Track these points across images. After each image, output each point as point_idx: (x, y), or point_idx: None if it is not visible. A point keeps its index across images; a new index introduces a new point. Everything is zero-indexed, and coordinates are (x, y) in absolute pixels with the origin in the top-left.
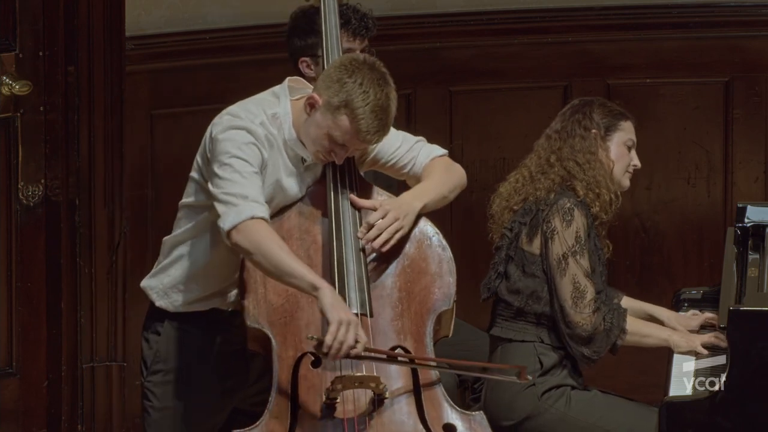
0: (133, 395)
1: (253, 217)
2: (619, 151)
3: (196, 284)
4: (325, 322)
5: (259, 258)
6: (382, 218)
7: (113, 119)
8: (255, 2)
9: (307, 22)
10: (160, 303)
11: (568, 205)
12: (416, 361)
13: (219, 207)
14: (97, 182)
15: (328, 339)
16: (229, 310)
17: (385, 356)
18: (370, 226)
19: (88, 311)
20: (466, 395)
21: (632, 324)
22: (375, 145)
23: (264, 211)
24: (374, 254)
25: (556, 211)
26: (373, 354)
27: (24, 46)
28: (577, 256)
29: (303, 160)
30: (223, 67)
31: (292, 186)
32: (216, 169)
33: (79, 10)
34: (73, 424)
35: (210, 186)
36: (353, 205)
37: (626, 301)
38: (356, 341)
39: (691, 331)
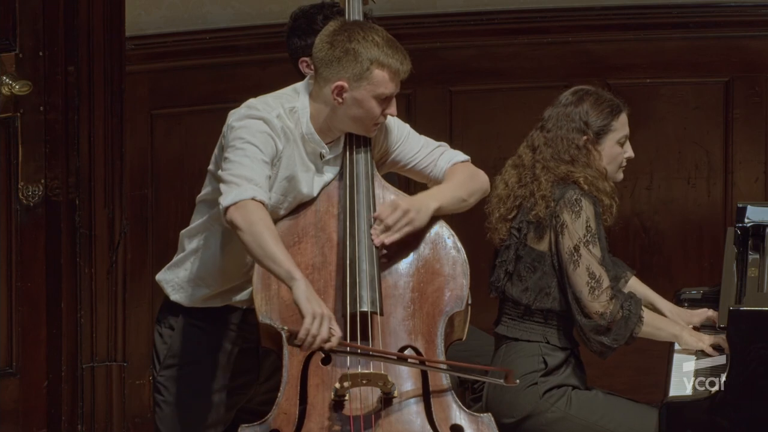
0: (133, 395)
1: (253, 198)
2: (613, 152)
3: (211, 279)
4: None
5: (248, 237)
6: (393, 212)
7: (113, 119)
8: (255, 2)
9: (307, 22)
10: (174, 297)
11: (575, 196)
12: (388, 356)
13: (222, 187)
14: (97, 182)
15: (302, 333)
16: (244, 307)
17: (358, 350)
18: (380, 221)
19: (88, 311)
20: (466, 395)
21: (647, 315)
22: (397, 147)
23: (264, 196)
24: (388, 254)
25: (564, 204)
26: (346, 349)
27: (24, 46)
28: (590, 246)
29: (321, 156)
30: (223, 67)
31: (307, 182)
32: (228, 153)
33: (79, 10)
34: (73, 424)
35: (219, 171)
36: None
37: (633, 281)
38: (330, 335)
39: (694, 328)
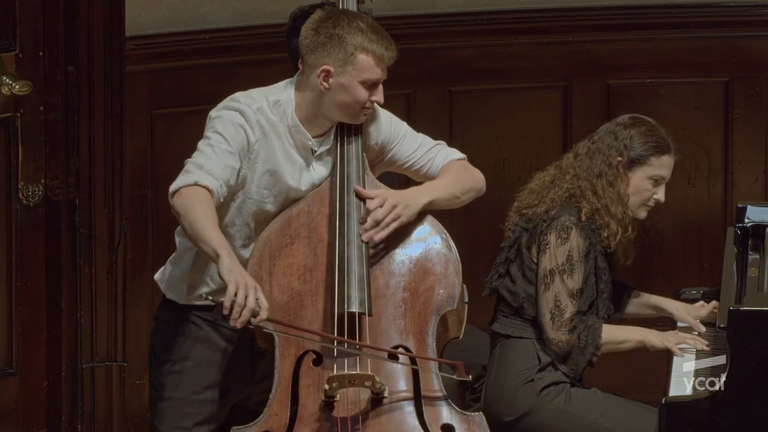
0: (133, 395)
1: (196, 183)
2: (640, 185)
3: (202, 278)
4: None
5: (183, 221)
6: (381, 207)
7: (113, 119)
8: (255, 2)
9: None
10: (170, 295)
11: (567, 223)
12: (319, 335)
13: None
14: (97, 182)
15: (226, 301)
16: None
17: (292, 328)
18: (369, 216)
19: (88, 311)
20: (466, 395)
21: (607, 333)
22: (393, 146)
23: (211, 182)
24: (379, 253)
25: (555, 226)
26: (279, 324)
27: (24, 46)
28: (565, 276)
29: (313, 151)
30: (223, 67)
31: (293, 176)
32: (199, 143)
33: (79, 10)
34: (73, 424)
35: None
36: (357, 195)
37: (635, 294)
38: (258, 306)
39: (702, 321)
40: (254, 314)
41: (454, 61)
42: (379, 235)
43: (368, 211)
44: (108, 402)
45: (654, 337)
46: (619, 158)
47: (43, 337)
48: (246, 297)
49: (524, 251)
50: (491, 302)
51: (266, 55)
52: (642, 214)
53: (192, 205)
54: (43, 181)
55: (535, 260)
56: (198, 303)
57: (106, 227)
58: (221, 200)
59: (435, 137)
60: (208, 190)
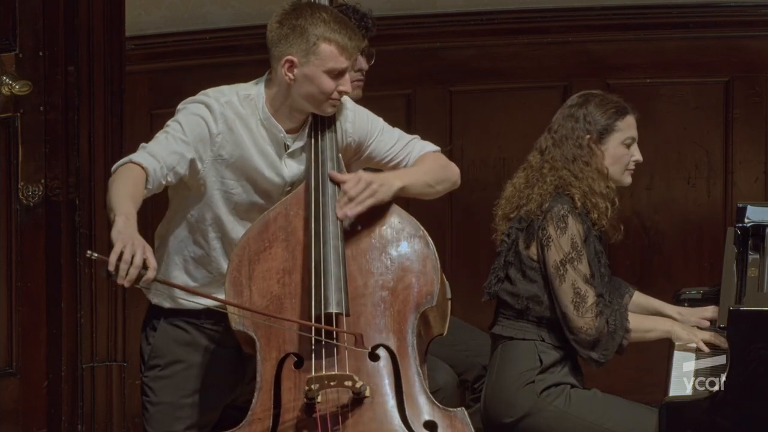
0: (133, 395)
1: (131, 161)
2: (617, 152)
3: (180, 275)
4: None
5: (107, 194)
6: (356, 184)
7: (113, 119)
8: (255, 2)
9: None
10: (154, 301)
11: (562, 212)
12: (241, 307)
13: None
14: (97, 182)
15: (112, 257)
16: (222, 310)
17: (197, 294)
18: (343, 193)
19: (88, 311)
20: (466, 395)
21: (634, 321)
22: (371, 143)
23: (147, 161)
24: (356, 253)
25: (550, 218)
26: (170, 284)
27: (24, 46)
28: (575, 263)
29: (286, 146)
30: (223, 67)
31: (263, 165)
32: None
33: (79, 10)
34: (73, 424)
35: None
36: (332, 179)
37: (637, 296)
38: (146, 266)
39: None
40: (141, 275)
41: (454, 61)
42: (354, 210)
43: (342, 193)
44: (108, 402)
45: (680, 330)
46: (588, 136)
47: (43, 337)
48: (133, 255)
49: (522, 252)
50: (492, 303)
51: (266, 55)
52: (627, 179)
53: (117, 178)
54: (43, 181)
55: (535, 258)
56: (183, 307)
57: (106, 227)
58: (162, 182)
59: (435, 137)
60: (142, 167)
